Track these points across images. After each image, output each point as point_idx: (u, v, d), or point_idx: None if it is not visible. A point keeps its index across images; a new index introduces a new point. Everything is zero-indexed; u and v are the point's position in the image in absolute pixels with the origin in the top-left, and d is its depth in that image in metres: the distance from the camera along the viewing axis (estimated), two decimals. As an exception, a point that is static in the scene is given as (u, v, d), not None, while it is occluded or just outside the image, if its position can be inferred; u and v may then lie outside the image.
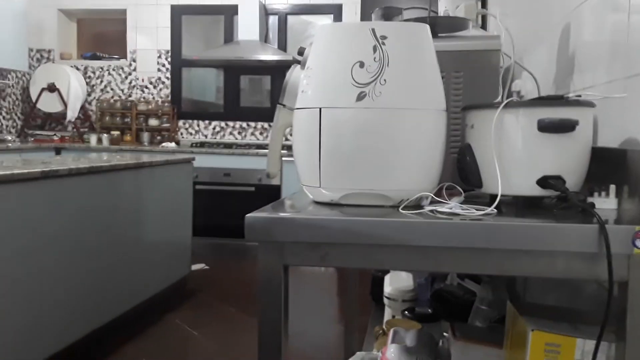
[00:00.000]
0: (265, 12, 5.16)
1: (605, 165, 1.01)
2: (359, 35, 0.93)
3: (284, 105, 1.04)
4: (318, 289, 3.94)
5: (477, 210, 0.88)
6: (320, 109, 0.94)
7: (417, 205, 0.94)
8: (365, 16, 3.95)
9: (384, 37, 0.92)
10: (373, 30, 0.93)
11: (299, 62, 1.05)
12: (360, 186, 0.93)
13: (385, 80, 0.92)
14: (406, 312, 1.82)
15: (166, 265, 3.43)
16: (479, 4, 1.36)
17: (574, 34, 1.43)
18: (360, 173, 0.93)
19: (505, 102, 0.92)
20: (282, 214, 0.86)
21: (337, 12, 5.12)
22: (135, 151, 4.86)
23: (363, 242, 0.83)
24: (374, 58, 0.92)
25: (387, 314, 1.94)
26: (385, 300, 1.94)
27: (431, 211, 0.89)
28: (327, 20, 5.21)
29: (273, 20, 5.25)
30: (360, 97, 0.92)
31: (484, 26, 2.97)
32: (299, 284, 3.92)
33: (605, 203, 0.94)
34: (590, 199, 0.95)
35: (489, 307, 1.65)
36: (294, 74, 1.03)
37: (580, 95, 0.96)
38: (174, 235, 3.54)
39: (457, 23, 1.26)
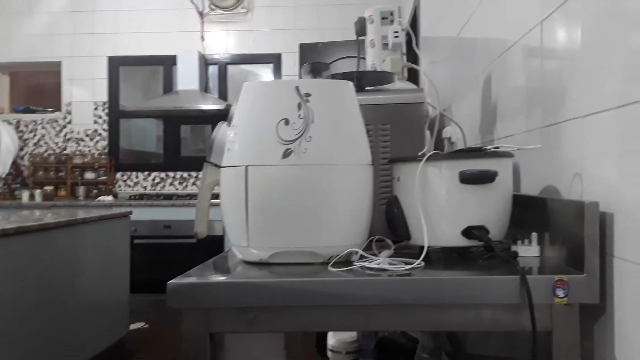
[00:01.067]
0: (204, 62, 5.18)
1: (528, 213, 1.04)
2: (283, 92, 0.94)
3: (211, 163, 1.03)
4: (260, 342, 3.83)
5: (406, 264, 0.88)
6: (246, 167, 0.93)
7: (346, 260, 0.93)
8: (302, 65, 4.03)
9: (308, 95, 0.93)
10: (297, 88, 0.94)
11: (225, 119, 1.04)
12: (289, 244, 0.92)
13: (310, 137, 0.92)
14: (350, 365, 1.79)
15: (103, 326, 3.26)
16: (404, 57, 1.41)
17: (495, 83, 1.50)
18: (289, 231, 0.92)
19: (428, 155, 0.94)
20: (206, 279, 0.83)
21: (276, 61, 5.20)
22: (69, 206, 4.67)
23: (291, 304, 0.81)
24: (299, 115, 0.92)
25: (332, 368, 1.90)
26: (329, 354, 1.90)
27: (361, 267, 0.89)
28: (266, 69, 5.27)
29: (213, 70, 5.27)
30: (287, 154, 0.91)
31: (415, 77, 3.09)
32: (239, 336, 3.80)
33: (529, 251, 0.96)
34: (514, 247, 0.97)
35: (431, 356, 1.64)
36: (220, 131, 1.02)
37: (498, 147, 0.99)
38: (110, 293, 3.38)
39: (383, 77, 1.29)
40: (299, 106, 0.93)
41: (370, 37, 1.40)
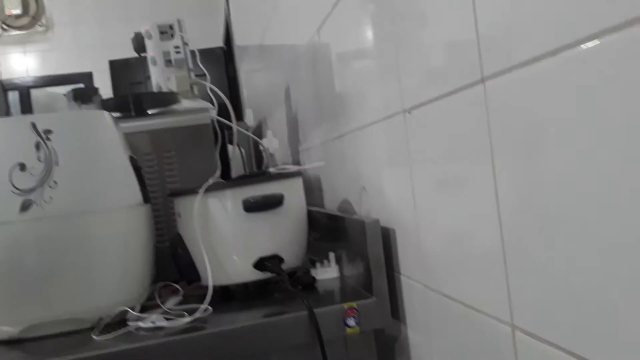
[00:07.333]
0: (2, 88, 4.60)
1: (329, 232, 0.98)
2: (15, 132, 0.77)
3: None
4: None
5: (189, 313, 0.76)
6: (-26, 228, 0.74)
7: (122, 320, 0.79)
8: (115, 83, 3.72)
9: (48, 132, 0.77)
10: (33, 124, 0.77)
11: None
12: (44, 314, 0.75)
13: (55, 182, 0.76)
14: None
15: None
16: (192, 73, 1.30)
17: (293, 94, 1.45)
18: (41, 298, 0.75)
19: (205, 186, 0.84)
20: None
21: (87, 80, 4.77)
22: None
23: (38, 397, 0.65)
24: (38, 157, 0.76)
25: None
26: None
27: (136, 328, 0.75)
28: (78, 91, 4.82)
29: (13, 95, 4.69)
30: (26, 206, 0.75)
31: (236, 90, 2.98)
32: None
33: (327, 272, 0.90)
34: (313, 271, 0.91)
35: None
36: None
37: (284, 168, 0.92)
38: None
39: (165, 98, 1.16)
40: (38, 146, 0.76)
41: (150, 53, 1.26)
